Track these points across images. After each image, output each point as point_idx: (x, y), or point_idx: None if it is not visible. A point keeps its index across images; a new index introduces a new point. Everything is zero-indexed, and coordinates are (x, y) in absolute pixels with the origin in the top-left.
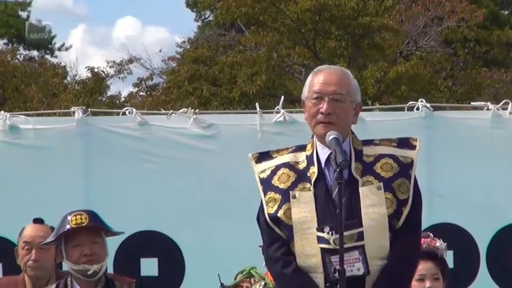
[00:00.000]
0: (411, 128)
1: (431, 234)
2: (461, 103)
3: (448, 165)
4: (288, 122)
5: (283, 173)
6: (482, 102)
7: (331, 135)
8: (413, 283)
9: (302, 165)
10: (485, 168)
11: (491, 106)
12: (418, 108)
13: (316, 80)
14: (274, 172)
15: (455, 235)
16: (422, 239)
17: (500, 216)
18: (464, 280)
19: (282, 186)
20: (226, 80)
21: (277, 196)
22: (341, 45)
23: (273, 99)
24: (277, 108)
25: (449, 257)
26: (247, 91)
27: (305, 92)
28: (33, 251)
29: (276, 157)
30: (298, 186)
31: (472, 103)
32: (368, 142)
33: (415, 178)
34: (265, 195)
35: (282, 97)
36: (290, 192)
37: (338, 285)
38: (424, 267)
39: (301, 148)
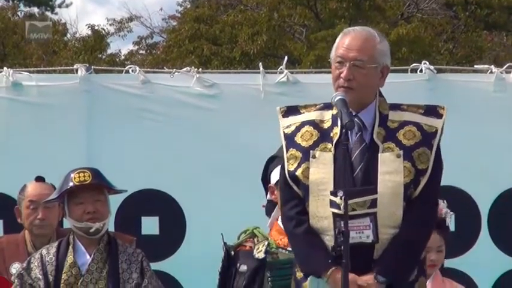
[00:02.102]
0: (415, 90)
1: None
2: (461, 66)
3: (451, 127)
4: (291, 82)
5: (306, 130)
6: (486, 66)
7: (337, 96)
8: None
9: (327, 125)
10: (488, 131)
11: (494, 69)
12: (421, 71)
13: (341, 42)
14: (298, 129)
15: (457, 198)
16: None
17: (502, 180)
18: (465, 243)
19: (304, 144)
20: (227, 40)
21: (298, 154)
22: (342, 6)
23: (274, 60)
24: (281, 69)
25: (451, 220)
26: (248, 51)
27: (332, 53)
28: (40, 210)
29: (304, 113)
30: (319, 146)
31: (475, 66)
32: (395, 106)
33: (438, 149)
34: (287, 151)
35: (286, 57)
36: (311, 151)
37: (342, 247)
38: (430, 239)
39: (329, 106)
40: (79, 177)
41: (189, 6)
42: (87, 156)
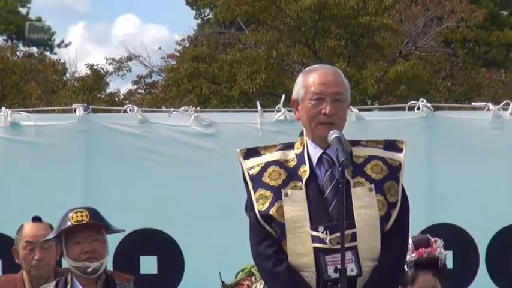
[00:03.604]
0: (412, 128)
1: (430, 237)
2: (460, 103)
3: (449, 165)
4: (289, 120)
5: (273, 170)
6: (483, 103)
7: (333, 134)
8: None
9: (292, 164)
10: (485, 168)
11: (492, 106)
12: (418, 108)
13: (312, 80)
14: (264, 169)
15: (455, 235)
16: (423, 249)
17: (500, 217)
18: (464, 281)
19: (273, 183)
20: (225, 78)
21: (268, 193)
22: (341, 44)
23: (272, 98)
24: (278, 107)
25: (448, 258)
26: (247, 89)
27: (300, 92)
28: (37, 251)
29: (264, 154)
30: (289, 184)
31: (473, 103)
32: (355, 143)
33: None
34: (255, 192)
35: (283, 96)
36: (282, 190)
37: (339, 285)
38: (423, 279)
39: (289, 146)
40: (77, 216)
41: (187, 45)
42: (84, 196)
